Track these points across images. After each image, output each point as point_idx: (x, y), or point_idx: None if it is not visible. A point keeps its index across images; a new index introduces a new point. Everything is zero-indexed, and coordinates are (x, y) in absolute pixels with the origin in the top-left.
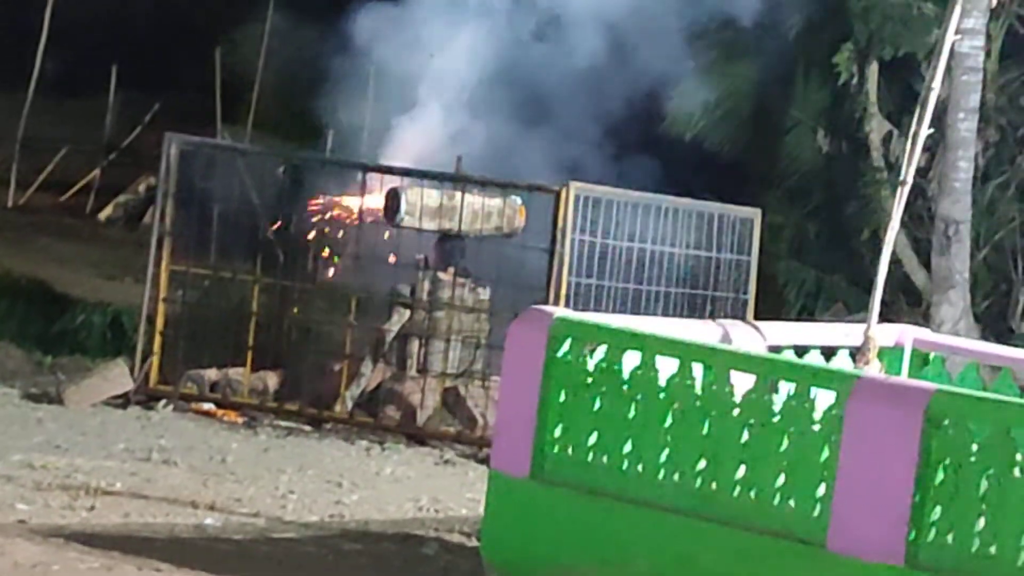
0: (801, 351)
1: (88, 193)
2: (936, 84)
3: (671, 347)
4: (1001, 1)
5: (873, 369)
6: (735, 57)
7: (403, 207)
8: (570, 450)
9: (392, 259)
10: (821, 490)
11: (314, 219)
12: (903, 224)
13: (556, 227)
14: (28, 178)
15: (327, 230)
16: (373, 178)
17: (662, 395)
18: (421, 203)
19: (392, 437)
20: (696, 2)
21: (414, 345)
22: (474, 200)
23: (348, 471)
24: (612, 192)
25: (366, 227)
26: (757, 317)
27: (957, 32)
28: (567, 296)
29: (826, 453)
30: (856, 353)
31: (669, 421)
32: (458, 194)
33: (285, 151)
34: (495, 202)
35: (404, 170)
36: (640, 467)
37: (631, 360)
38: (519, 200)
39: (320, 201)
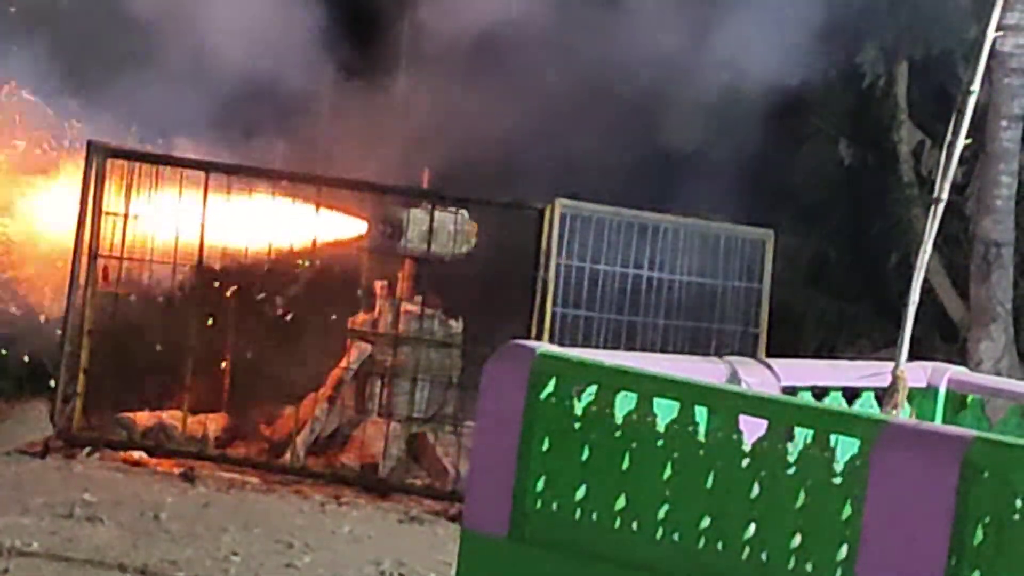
0: (820, 393)
1: None
2: (975, 87)
3: (670, 388)
4: None
5: (902, 414)
6: (744, 54)
7: (409, 230)
8: (554, 506)
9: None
10: (843, 552)
11: None
12: (937, 247)
13: (539, 250)
14: None
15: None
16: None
17: (660, 443)
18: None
19: (350, 490)
20: None
21: (376, 385)
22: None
23: (300, 529)
24: (603, 210)
25: (321, 250)
26: (770, 354)
27: (999, 28)
28: (551, 329)
29: (848, 510)
30: (883, 395)
31: (668, 473)
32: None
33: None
34: (445, 217)
35: (367, 185)
36: (635, 525)
37: (624, 403)
38: (466, 214)
39: None
